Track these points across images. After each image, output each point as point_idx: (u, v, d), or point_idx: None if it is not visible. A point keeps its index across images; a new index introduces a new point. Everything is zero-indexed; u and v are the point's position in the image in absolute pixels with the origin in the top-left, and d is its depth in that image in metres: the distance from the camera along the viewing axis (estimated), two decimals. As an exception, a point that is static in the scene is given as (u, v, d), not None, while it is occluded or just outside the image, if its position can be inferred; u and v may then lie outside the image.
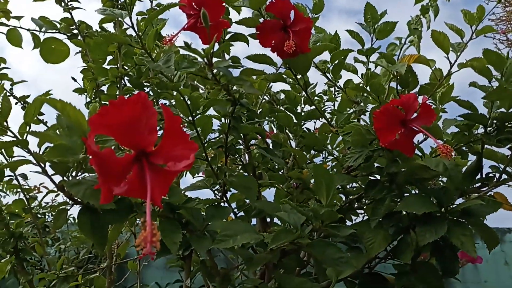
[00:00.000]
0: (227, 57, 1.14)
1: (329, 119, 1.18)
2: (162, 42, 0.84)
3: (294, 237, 0.64)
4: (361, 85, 1.17)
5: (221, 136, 0.82)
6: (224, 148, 0.82)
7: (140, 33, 0.72)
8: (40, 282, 0.91)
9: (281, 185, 1.14)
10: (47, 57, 1.44)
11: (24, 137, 0.59)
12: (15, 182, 0.94)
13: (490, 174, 0.92)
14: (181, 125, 0.46)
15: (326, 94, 1.51)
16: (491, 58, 0.87)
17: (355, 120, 1.16)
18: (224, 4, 0.90)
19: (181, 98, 0.79)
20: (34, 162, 0.61)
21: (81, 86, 1.13)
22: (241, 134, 0.92)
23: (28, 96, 1.08)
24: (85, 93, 1.11)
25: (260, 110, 1.32)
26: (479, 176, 0.93)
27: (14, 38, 1.47)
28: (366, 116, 1.14)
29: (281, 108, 1.38)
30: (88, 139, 0.40)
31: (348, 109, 1.17)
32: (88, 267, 0.96)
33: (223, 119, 0.89)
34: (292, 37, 0.93)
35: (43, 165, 0.61)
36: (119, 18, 0.71)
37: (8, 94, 1.07)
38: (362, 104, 1.13)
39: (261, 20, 0.99)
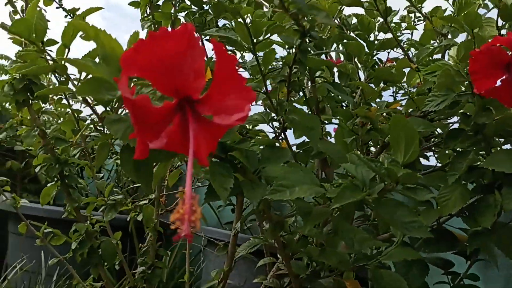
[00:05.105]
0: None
1: (407, 52, 1.04)
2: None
3: (362, 196, 0.56)
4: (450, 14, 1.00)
5: (285, 67, 0.72)
6: (287, 82, 0.72)
7: None
8: (88, 207, 0.89)
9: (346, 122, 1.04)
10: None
11: (63, 62, 0.52)
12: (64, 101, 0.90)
13: None
14: (237, 66, 0.36)
15: (404, 21, 1.34)
16: None
17: (440, 56, 1.01)
18: None
19: (241, 21, 0.68)
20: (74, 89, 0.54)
21: (137, -1, 1.03)
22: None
23: (78, 9, 1.00)
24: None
25: (329, 35, 1.20)
26: None
27: None
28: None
29: (351, 34, 1.24)
30: (119, 82, 0.32)
31: (432, 41, 1.02)
32: (137, 194, 0.93)
33: (288, 48, 0.78)
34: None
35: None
36: None
37: (57, 6, 1.00)
38: (450, 36, 0.97)
39: None
